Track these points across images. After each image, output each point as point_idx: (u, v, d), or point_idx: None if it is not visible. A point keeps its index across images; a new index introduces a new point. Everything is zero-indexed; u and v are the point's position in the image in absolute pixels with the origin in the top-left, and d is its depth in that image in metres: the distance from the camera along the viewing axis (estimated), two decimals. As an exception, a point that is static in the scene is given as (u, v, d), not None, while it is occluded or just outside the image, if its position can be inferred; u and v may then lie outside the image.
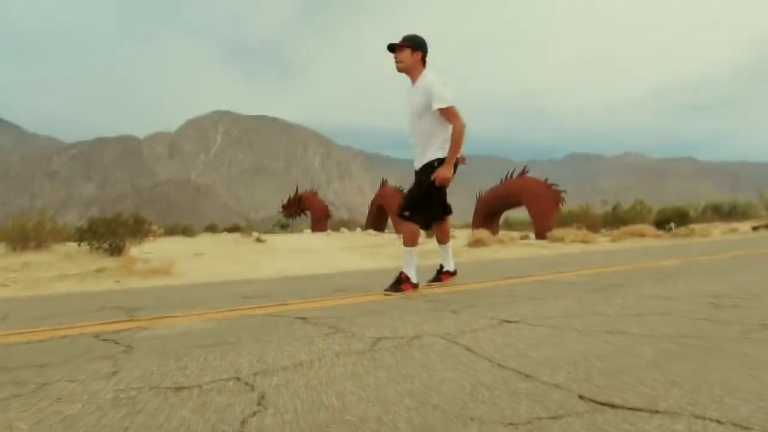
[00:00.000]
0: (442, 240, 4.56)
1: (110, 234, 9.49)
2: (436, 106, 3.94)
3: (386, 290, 4.06)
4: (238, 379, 1.78)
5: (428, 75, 4.06)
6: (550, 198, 17.06)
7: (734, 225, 21.24)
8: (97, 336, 2.71)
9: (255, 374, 1.82)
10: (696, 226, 18.81)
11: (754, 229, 19.17)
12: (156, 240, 14.60)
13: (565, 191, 17.67)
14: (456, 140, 3.99)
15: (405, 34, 4.17)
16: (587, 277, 4.93)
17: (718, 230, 18.30)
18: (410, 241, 4.25)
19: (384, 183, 25.01)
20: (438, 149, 4.06)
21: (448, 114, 3.97)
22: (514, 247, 12.41)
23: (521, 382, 1.65)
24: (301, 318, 2.96)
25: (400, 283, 4.09)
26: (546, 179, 17.87)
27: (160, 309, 3.68)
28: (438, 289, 4.23)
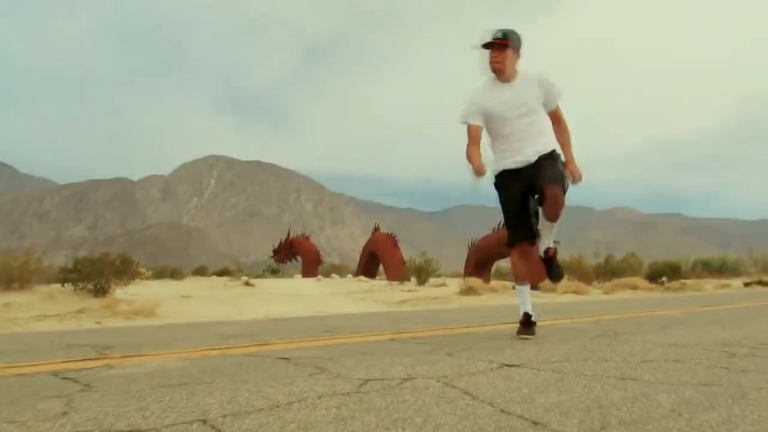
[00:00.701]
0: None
1: (95, 274, 9.20)
2: (558, 100, 3.68)
3: (522, 335, 3.59)
4: (204, 421, 1.54)
5: (532, 70, 3.72)
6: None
7: (725, 281, 21.14)
8: (56, 374, 2.46)
9: (224, 416, 1.59)
10: (688, 281, 18.69)
11: (746, 285, 19.08)
12: (143, 282, 14.25)
13: (558, 242, 17.55)
14: (571, 138, 3.71)
15: (502, 28, 3.65)
16: (587, 323, 4.72)
17: (710, 285, 18.15)
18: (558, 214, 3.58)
19: (376, 229, 24.85)
20: (553, 143, 3.70)
21: (559, 110, 3.72)
22: (507, 296, 12.18)
23: (528, 429, 1.43)
24: (284, 358, 2.72)
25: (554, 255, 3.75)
26: (538, 229, 17.78)
27: (134, 347, 3.42)
28: (431, 331, 4.00)
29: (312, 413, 1.61)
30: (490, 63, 3.62)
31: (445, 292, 13.09)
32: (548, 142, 3.68)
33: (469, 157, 3.62)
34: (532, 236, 3.74)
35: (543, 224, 3.66)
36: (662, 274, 19.71)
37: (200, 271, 32.45)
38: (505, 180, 3.74)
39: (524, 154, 3.63)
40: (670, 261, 25.35)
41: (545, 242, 3.73)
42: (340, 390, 1.91)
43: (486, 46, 3.60)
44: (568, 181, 3.62)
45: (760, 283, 19.15)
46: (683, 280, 18.66)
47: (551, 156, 3.64)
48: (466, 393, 1.85)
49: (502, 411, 1.61)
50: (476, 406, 1.68)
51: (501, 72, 3.63)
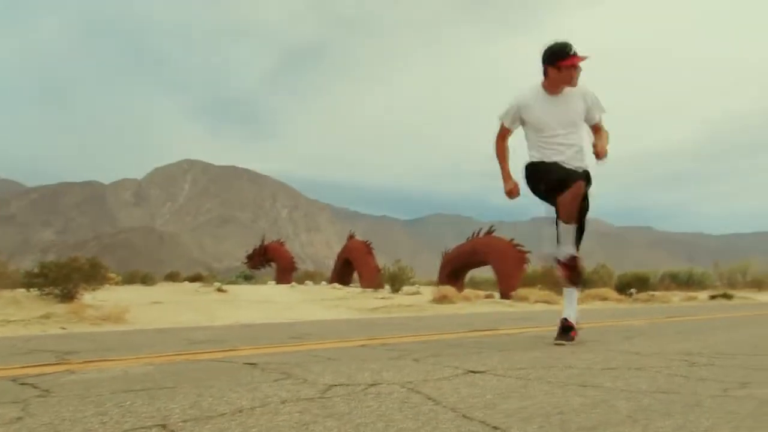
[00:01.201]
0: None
1: (63, 279, 8.98)
2: (601, 114, 3.77)
3: (557, 341, 3.61)
4: (163, 426, 1.53)
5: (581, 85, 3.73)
6: (515, 258, 17.08)
7: (692, 293, 21.64)
8: (14, 380, 2.39)
9: (185, 421, 1.57)
10: (656, 293, 19.08)
11: (712, 297, 19.53)
12: (113, 287, 13.95)
13: (530, 252, 17.76)
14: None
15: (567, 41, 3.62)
16: (554, 332, 4.78)
17: (677, 297, 18.56)
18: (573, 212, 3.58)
19: (351, 236, 24.81)
20: (589, 163, 3.75)
21: (601, 122, 3.80)
22: (479, 305, 12.27)
23: (489, 435, 1.45)
24: (250, 364, 2.70)
25: (571, 330, 3.66)
26: (512, 239, 17.97)
27: (98, 353, 3.35)
28: (401, 338, 4.01)
29: (274, 418, 1.60)
30: (568, 78, 3.59)
31: (419, 300, 13.12)
32: (586, 161, 3.73)
33: (503, 178, 3.82)
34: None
35: (560, 226, 3.65)
36: (631, 285, 20.08)
37: (172, 277, 31.94)
38: (536, 170, 3.72)
39: (566, 156, 3.65)
40: (639, 273, 25.86)
41: (563, 248, 3.66)
42: (304, 395, 1.91)
43: (571, 60, 3.55)
44: (597, 161, 3.69)
45: (725, 296, 19.65)
46: (651, 292, 19.05)
47: (586, 176, 3.66)
48: (429, 398, 1.87)
49: (463, 416, 1.63)
50: (438, 411, 1.69)
51: (567, 83, 3.63)
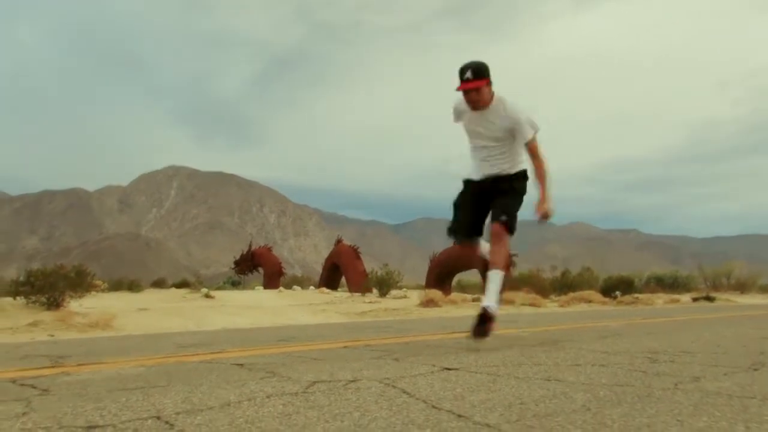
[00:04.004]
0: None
1: (49, 287, 9.01)
2: (527, 137, 3.68)
3: (473, 336, 3.51)
4: (158, 418, 1.67)
5: (508, 100, 3.72)
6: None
7: (676, 296, 22.00)
8: (13, 381, 2.52)
9: (177, 413, 1.72)
10: (640, 295, 19.42)
11: (695, 300, 19.87)
12: (99, 295, 13.93)
13: (516, 255, 17.99)
14: (547, 173, 3.77)
15: (471, 62, 3.65)
16: (533, 333, 4.96)
17: (661, 300, 18.86)
18: (503, 259, 3.67)
19: (339, 241, 24.94)
20: (524, 162, 3.81)
21: (532, 145, 3.73)
22: (466, 308, 12.43)
23: (453, 421, 1.61)
24: (238, 364, 2.85)
25: (487, 322, 3.52)
26: (497, 243, 18.15)
27: (90, 357, 3.47)
28: (384, 340, 4.17)
29: (260, 410, 1.76)
30: (469, 103, 3.69)
31: (406, 304, 13.27)
32: (515, 165, 3.81)
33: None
34: (476, 234, 3.98)
35: (489, 272, 3.70)
36: (616, 288, 20.38)
37: (159, 284, 31.83)
38: (466, 186, 3.97)
39: (489, 169, 3.81)
40: (624, 276, 26.25)
41: (487, 297, 3.64)
42: (288, 390, 2.07)
43: (463, 86, 3.61)
44: (537, 216, 3.74)
45: (707, 298, 20.03)
46: (636, 295, 19.37)
47: (514, 177, 3.79)
48: (404, 392, 2.03)
49: (433, 407, 1.80)
50: (411, 402, 1.86)
51: (480, 106, 3.70)
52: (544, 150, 3.80)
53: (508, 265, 3.68)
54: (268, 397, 1.95)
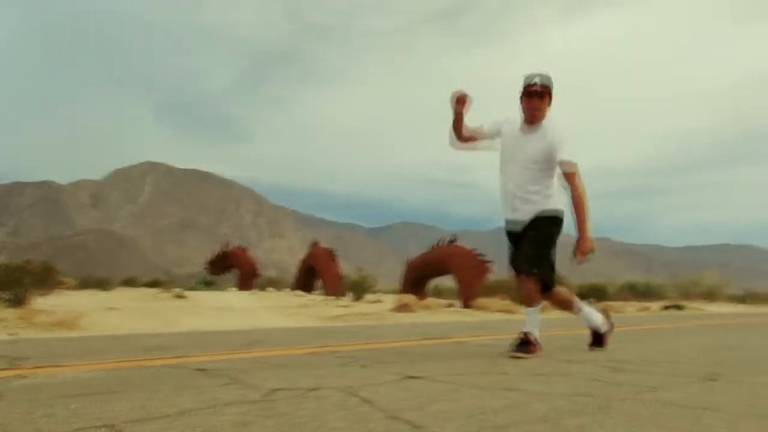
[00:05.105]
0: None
1: (14, 283, 8.77)
2: (567, 159, 3.53)
3: (514, 353, 3.57)
4: (111, 426, 1.64)
5: (554, 123, 3.62)
6: (476, 267, 17.39)
7: (647, 304, 22.40)
8: (-36, 383, 2.44)
9: (131, 421, 1.68)
10: (612, 303, 19.73)
11: (665, 308, 20.25)
12: (67, 292, 13.61)
13: (492, 261, 18.12)
14: (585, 204, 3.57)
15: (540, 72, 3.58)
16: (503, 340, 4.99)
17: (632, 308, 19.19)
18: (532, 301, 3.74)
19: (315, 244, 24.83)
20: (556, 201, 3.66)
21: (571, 173, 3.56)
22: (440, 313, 12.47)
23: (411, 431, 1.61)
24: (201, 369, 2.81)
25: (528, 344, 3.60)
26: (474, 249, 18.30)
27: (49, 358, 3.38)
28: (352, 346, 4.15)
29: (217, 418, 1.73)
30: (528, 110, 3.58)
31: (380, 309, 13.26)
32: (546, 203, 3.65)
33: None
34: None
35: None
36: (589, 295, 20.71)
37: (130, 282, 31.30)
38: (509, 236, 3.87)
39: (517, 212, 3.69)
40: (597, 283, 26.68)
41: (528, 325, 3.75)
42: (248, 398, 2.04)
43: (528, 93, 3.55)
44: (573, 260, 3.63)
45: (677, 307, 20.45)
46: (608, 302, 19.69)
47: (544, 221, 3.64)
48: (365, 401, 2.02)
49: (392, 417, 1.79)
50: (370, 412, 1.85)
51: (537, 120, 3.60)
52: (583, 181, 3.60)
53: (567, 300, 3.82)
54: (227, 404, 1.92)
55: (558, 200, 3.68)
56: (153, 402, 1.97)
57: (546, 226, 3.65)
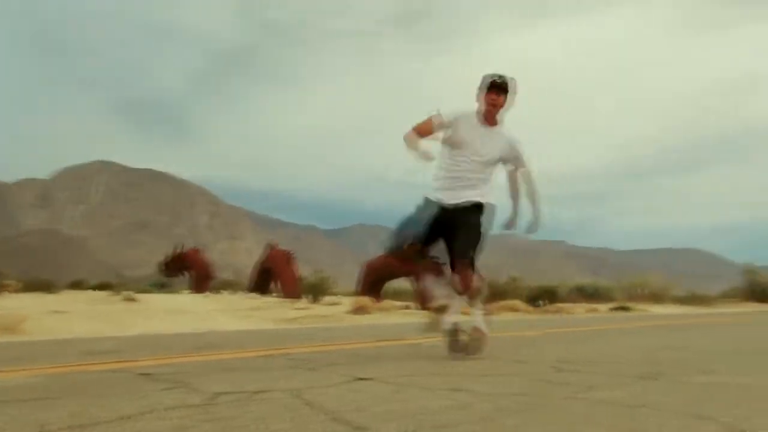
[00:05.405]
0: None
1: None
2: (524, 166, 3.91)
3: (461, 353, 3.64)
4: (44, 433, 1.59)
5: (509, 129, 3.88)
6: (431, 269, 17.53)
7: (596, 305, 23.07)
8: None
9: (68, 428, 1.65)
10: (563, 304, 20.27)
11: (612, 310, 20.91)
12: (11, 295, 13.06)
13: (445, 264, 18.27)
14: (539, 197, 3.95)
15: (503, 74, 3.74)
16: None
17: (581, 309, 19.73)
18: (474, 291, 3.82)
19: (272, 245, 24.59)
20: (493, 196, 3.86)
21: (528, 170, 3.95)
22: (397, 315, 12.54)
23: (352, 433, 1.63)
24: (145, 374, 2.75)
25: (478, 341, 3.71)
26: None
27: (-15, 364, 3.25)
28: (305, 348, 4.14)
29: (156, 423, 1.71)
30: (487, 103, 3.71)
31: (337, 311, 13.24)
32: (488, 196, 3.83)
33: (410, 141, 3.73)
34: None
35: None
36: (541, 297, 21.20)
37: (78, 285, 30.24)
38: (428, 206, 3.85)
39: (458, 197, 3.76)
40: (548, 285, 27.34)
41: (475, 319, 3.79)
42: (190, 402, 2.02)
43: (490, 86, 3.68)
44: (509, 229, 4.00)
45: (623, 308, 21.16)
46: (559, 304, 20.22)
47: (480, 209, 3.77)
48: (308, 404, 2.03)
49: (334, 419, 1.80)
50: (313, 415, 1.86)
51: (493, 114, 3.75)
52: None
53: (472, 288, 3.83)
54: (167, 409, 1.90)
55: (493, 195, 3.90)
56: (92, 407, 1.93)
57: (485, 215, 3.83)
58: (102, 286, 27.24)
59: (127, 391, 2.24)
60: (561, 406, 2.14)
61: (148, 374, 2.74)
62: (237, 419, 1.77)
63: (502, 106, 3.73)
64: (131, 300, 14.88)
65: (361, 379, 2.66)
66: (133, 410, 1.88)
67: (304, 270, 24.14)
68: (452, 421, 1.81)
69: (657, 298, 32.80)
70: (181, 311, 11.68)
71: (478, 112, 3.80)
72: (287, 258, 22.70)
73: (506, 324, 9.32)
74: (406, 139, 3.81)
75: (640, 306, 25.04)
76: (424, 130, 3.84)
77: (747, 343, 5.80)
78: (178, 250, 27.24)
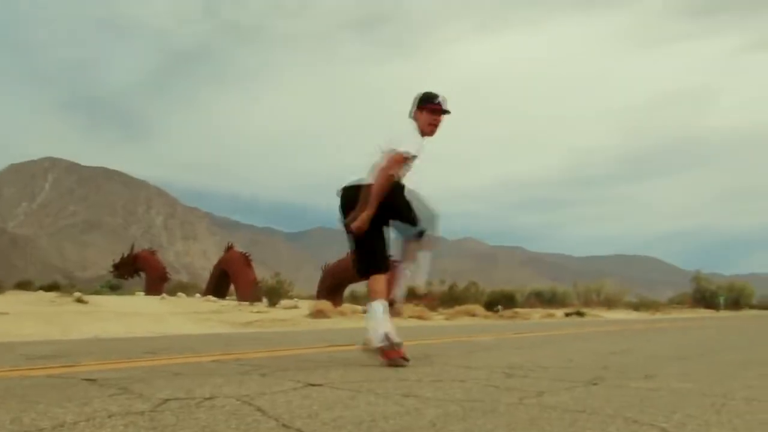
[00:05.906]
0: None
1: None
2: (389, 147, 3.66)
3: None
4: (-24, 442, 1.53)
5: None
6: (391, 273, 17.58)
7: (552, 311, 23.58)
8: None
9: (1, 437, 1.58)
10: (520, 310, 20.66)
11: (567, 315, 21.41)
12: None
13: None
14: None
15: (437, 92, 3.79)
16: (409, 347, 5.10)
17: (538, 314, 20.14)
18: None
19: (230, 247, 24.19)
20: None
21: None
22: (355, 319, 12.52)
23: (299, 440, 1.62)
24: (89, 379, 2.67)
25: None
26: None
27: None
28: (258, 353, 4.10)
29: (96, 431, 1.66)
30: (431, 125, 3.74)
31: (295, 315, 13.14)
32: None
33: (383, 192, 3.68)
34: None
35: None
36: (499, 302, 21.54)
37: (24, 285, 28.99)
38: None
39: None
40: (506, 291, 27.83)
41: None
42: (135, 409, 1.97)
43: (436, 109, 3.71)
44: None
45: (578, 314, 21.71)
46: (516, 309, 20.59)
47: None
48: (258, 410, 2.01)
49: (283, 425, 1.80)
50: (262, 421, 1.85)
51: (432, 133, 3.79)
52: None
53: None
54: (110, 416, 1.85)
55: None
56: (29, 414, 1.86)
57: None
58: (50, 287, 26.19)
59: (68, 398, 2.17)
60: (507, 411, 2.18)
61: (93, 380, 2.66)
62: (182, 426, 1.74)
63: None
64: (81, 302, 14.39)
65: (313, 385, 2.65)
66: (74, 418, 1.82)
67: (262, 273, 23.84)
68: (401, 427, 1.83)
69: (611, 303, 33.86)
70: (135, 314, 11.37)
71: (421, 132, 3.77)
72: (244, 260, 22.37)
73: (462, 329, 9.44)
74: (384, 185, 3.69)
75: (595, 311, 25.81)
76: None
77: (691, 349, 6.04)
78: (132, 251, 26.50)
